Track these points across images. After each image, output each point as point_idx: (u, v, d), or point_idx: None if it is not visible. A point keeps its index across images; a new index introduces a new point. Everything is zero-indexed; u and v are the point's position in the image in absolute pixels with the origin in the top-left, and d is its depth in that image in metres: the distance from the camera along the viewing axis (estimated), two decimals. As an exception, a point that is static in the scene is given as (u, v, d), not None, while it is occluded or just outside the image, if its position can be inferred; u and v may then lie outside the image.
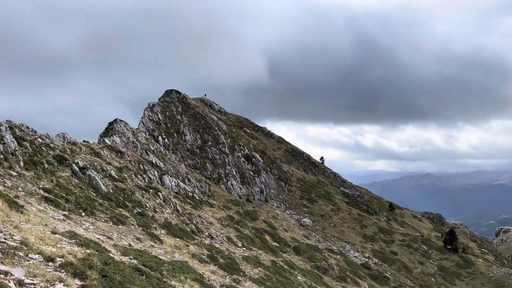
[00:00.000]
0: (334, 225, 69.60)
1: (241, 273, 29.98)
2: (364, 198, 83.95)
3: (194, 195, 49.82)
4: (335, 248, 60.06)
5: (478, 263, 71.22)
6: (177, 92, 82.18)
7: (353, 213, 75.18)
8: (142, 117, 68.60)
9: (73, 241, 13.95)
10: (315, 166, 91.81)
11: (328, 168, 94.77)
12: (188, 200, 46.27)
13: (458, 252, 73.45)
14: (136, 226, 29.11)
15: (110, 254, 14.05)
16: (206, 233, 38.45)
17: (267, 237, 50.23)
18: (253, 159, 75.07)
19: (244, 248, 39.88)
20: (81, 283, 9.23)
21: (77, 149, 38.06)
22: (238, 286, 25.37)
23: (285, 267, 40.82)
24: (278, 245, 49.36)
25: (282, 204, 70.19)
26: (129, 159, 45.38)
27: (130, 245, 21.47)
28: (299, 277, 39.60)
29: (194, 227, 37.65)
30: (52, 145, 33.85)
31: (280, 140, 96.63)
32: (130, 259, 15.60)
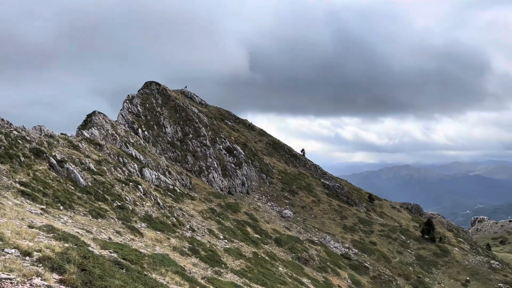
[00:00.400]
0: (315, 216, 70.28)
1: (223, 265, 30.04)
2: (344, 189, 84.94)
3: (175, 188, 49.53)
4: (315, 239, 60.70)
5: (454, 252, 73.08)
6: (157, 84, 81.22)
7: (333, 204, 76.02)
8: (121, 109, 67.60)
9: (51, 235, 13.71)
10: (296, 158, 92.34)
11: (309, 160, 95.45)
12: (169, 193, 45.98)
13: (435, 242, 75.19)
14: (116, 219, 28.79)
15: (89, 248, 13.86)
16: (188, 226, 38.32)
17: (248, 229, 50.40)
18: (235, 152, 74.99)
19: (226, 240, 39.93)
20: (59, 277, 9.08)
21: (55, 142, 37.32)
22: (219, 278, 25.41)
23: (267, 258, 41.08)
24: (259, 236, 49.60)
25: (263, 196, 70.45)
26: (108, 152, 44.75)
27: (110, 238, 21.24)
28: (280, 268, 39.92)
29: (175, 220, 37.47)
30: (28, 138, 33.11)
31: (262, 133, 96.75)
32: (110, 252, 15.43)
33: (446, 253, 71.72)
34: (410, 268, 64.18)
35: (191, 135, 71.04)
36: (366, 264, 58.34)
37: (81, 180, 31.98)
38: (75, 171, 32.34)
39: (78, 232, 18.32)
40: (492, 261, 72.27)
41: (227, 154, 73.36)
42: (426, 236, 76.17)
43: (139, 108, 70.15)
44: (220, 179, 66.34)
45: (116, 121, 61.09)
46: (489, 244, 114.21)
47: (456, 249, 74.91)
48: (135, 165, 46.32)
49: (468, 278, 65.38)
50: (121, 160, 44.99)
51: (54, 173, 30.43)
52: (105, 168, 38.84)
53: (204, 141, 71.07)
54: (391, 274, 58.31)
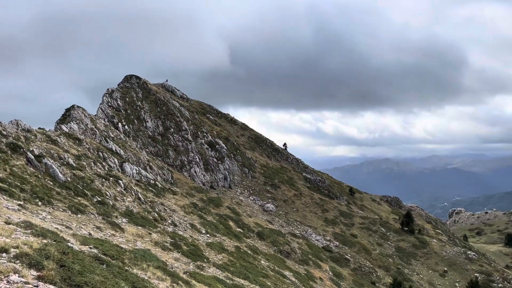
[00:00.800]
0: (297, 209, 70.78)
1: (205, 260, 30.03)
2: (325, 183, 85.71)
3: (156, 182, 49.17)
4: (297, 232, 61.18)
5: (432, 243, 74.66)
6: (137, 77, 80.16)
7: (315, 197, 76.66)
8: (100, 103, 66.54)
9: (29, 231, 13.45)
10: (278, 153, 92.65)
11: (291, 154, 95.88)
12: (150, 188, 45.62)
13: (414, 234, 76.66)
14: (96, 215, 28.44)
15: (69, 244, 13.66)
16: (169, 221, 38.13)
17: (231, 223, 50.45)
18: (217, 146, 74.78)
19: (208, 235, 39.91)
20: (38, 273, 8.92)
21: (32, 137, 36.55)
22: (202, 272, 25.41)
23: (249, 252, 41.23)
24: (241, 230, 49.71)
25: (245, 190, 70.54)
26: (87, 146, 44.07)
27: (90, 234, 20.98)
28: (262, 262, 40.13)
29: (156, 215, 37.24)
30: (4, 133, 32.34)
31: (244, 127, 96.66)
32: (90, 248, 15.24)
33: (425, 245, 73.23)
34: (390, 259, 65.33)
35: (172, 130, 70.48)
36: (347, 256, 59.14)
37: (60, 175, 31.44)
38: (53, 166, 31.77)
39: (57, 228, 18.02)
40: (469, 252, 74.15)
41: (209, 149, 73.10)
42: (406, 228, 77.57)
43: (119, 102, 69.19)
44: (202, 174, 66.12)
45: (95, 115, 60.15)
46: (466, 235, 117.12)
47: (435, 240, 76.54)
48: (116, 160, 45.76)
49: (445, 269, 66.95)
50: (101, 155, 44.38)
51: (32, 169, 29.84)
52: (84, 163, 38.26)
53: (186, 136, 70.63)
54: (371, 265, 59.26)
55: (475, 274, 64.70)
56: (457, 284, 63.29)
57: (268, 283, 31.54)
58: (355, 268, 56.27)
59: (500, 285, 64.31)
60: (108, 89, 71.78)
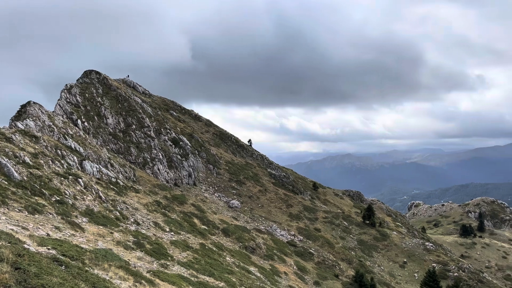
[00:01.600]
0: (262, 205, 71.15)
1: (169, 258, 29.67)
2: (290, 178, 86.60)
3: (118, 180, 48.06)
4: (262, 227, 61.53)
5: (393, 235, 77.06)
6: (97, 72, 77.89)
7: (279, 193, 77.32)
8: (58, 100, 64.17)
9: (-19, 233, 12.81)
10: (243, 149, 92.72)
11: (256, 150, 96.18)
12: (112, 186, 44.54)
13: (376, 226, 78.86)
14: (55, 214, 27.47)
15: (25, 245, 13.12)
16: (132, 220, 37.39)
17: (195, 220, 50.08)
18: (181, 143, 73.91)
19: (172, 233, 39.44)
20: (-10, 277, 8.50)
21: (-16, 134, 34.82)
22: (166, 270, 25.09)
23: (214, 249, 41.09)
24: (207, 228, 49.46)
25: (211, 187, 70.18)
26: (45, 144, 42.44)
27: (48, 234, 20.25)
28: (227, 258, 40.10)
29: (118, 214, 36.41)
30: (-47, 130, 30.63)
31: (208, 123, 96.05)
32: (48, 249, 14.71)
33: (385, 237, 75.49)
34: (352, 252, 66.91)
35: (134, 126, 69.02)
36: (311, 250, 60.08)
37: (15, 174, 30.14)
38: (8, 164, 30.40)
39: (12, 229, 17.28)
40: (427, 243, 77.07)
41: (173, 145, 72.14)
42: (367, 222, 79.65)
43: (78, 98, 67.00)
44: (165, 171, 65.19)
45: (53, 112, 57.98)
46: (424, 227, 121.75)
47: (395, 233, 79.02)
48: (75, 157, 44.33)
49: (405, 260, 69.32)
50: (60, 152, 42.87)
51: (-16, 168, 28.43)
52: (42, 161, 36.84)
53: (148, 132, 69.37)
54: (334, 259, 60.48)
55: (433, 265, 67.36)
56: (416, 274, 65.67)
57: (233, 279, 31.54)
58: (319, 262, 57.25)
59: (455, 274, 67.28)
60: (66, 84, 69.31)
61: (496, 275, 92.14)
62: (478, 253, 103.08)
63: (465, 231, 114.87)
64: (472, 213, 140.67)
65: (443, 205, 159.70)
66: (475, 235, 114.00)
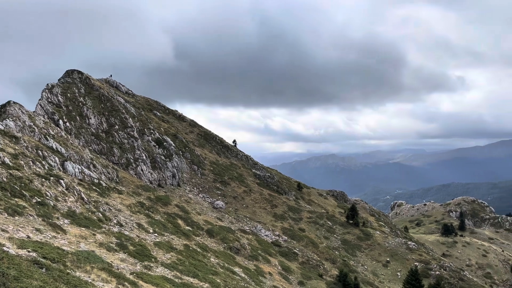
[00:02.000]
0: (247, 206, 71.11)
1: (153, 259, 29.42)
2: (274, 179, 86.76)
3: (101, 181, 47.46)
4: (247, 228, 61.49)
5: (376, 235, 77.86)
6: (80, 72, 76.80)
7: (264, 193, 77.39)
8: (39, 99, 63.04)
9: (-42, 236, 12.50)
10: (228, 149, 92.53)
11: (240, 150, 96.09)
12: (94, 187, 43.96)
13: (359, 226, 79.57)
14: (36, 216, 26.98)
15: (4, 248, 12.85)
16: (115, 221, 36.95)
17: (179, 221, 49.77)
18: (165, 143, 73.37)
19: (156, 234, 39.11)
20: (-33, 281, 8.30)
21: (-38, 135, 34.00)
22: (149, 272, 24.86)
23: (198, 250, 40.90)
24: (191, 229, 49.20)
25: (195, 188, 69.83)
26: (25, 144, 41.66)
27: (28, 237, 19.86)
28: (212, 259, 39.96)
29: (101, 215, 35.95)
30: None
31: (193, 124, 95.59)
32: (28, 251, 14.43)
33: (369, 237, 76.22)
34: (336, 252, 67.37)
35: (117, 127, 68.24)
36: (296, 251, 60.27)
37: (-6, 175, 29.49)
38: (-13, 166, 29.73)
39: (-9, 232, 16.90)
40: (409, 242, 78.10)
41: (157, 146, 71.57)
42: (351, 221, 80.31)
43: (59, 98, 65.94)
44: (149, 172, 64.63)
45: (34, 112, 56.94)
46: (406, 226, 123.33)
47: (378, 232, 79.85)
48: (56, 158, 43.62)
49: (388, 259, 70.10)
50: (41, 153, 42.13)
51: (-38, 169, 27.76)
52: (22, 162, 36.14)
53: (132, 133, 68.68)
54: (318, 258, 60.80)
55: (415, 263, 68.28)
56: (398, 273, 66.47)
57: (218, 280, 31.44)
58: (303, 262, 57.48)
59: (437, 272, 68.33)
60: (47, 84, 68.14)
61: (476, 273, 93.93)
62: (459, 251, 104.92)
63: (447, 230, 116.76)
64: (453, 212, 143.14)
65: (425, 204, 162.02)
66: (456, 234, 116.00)
